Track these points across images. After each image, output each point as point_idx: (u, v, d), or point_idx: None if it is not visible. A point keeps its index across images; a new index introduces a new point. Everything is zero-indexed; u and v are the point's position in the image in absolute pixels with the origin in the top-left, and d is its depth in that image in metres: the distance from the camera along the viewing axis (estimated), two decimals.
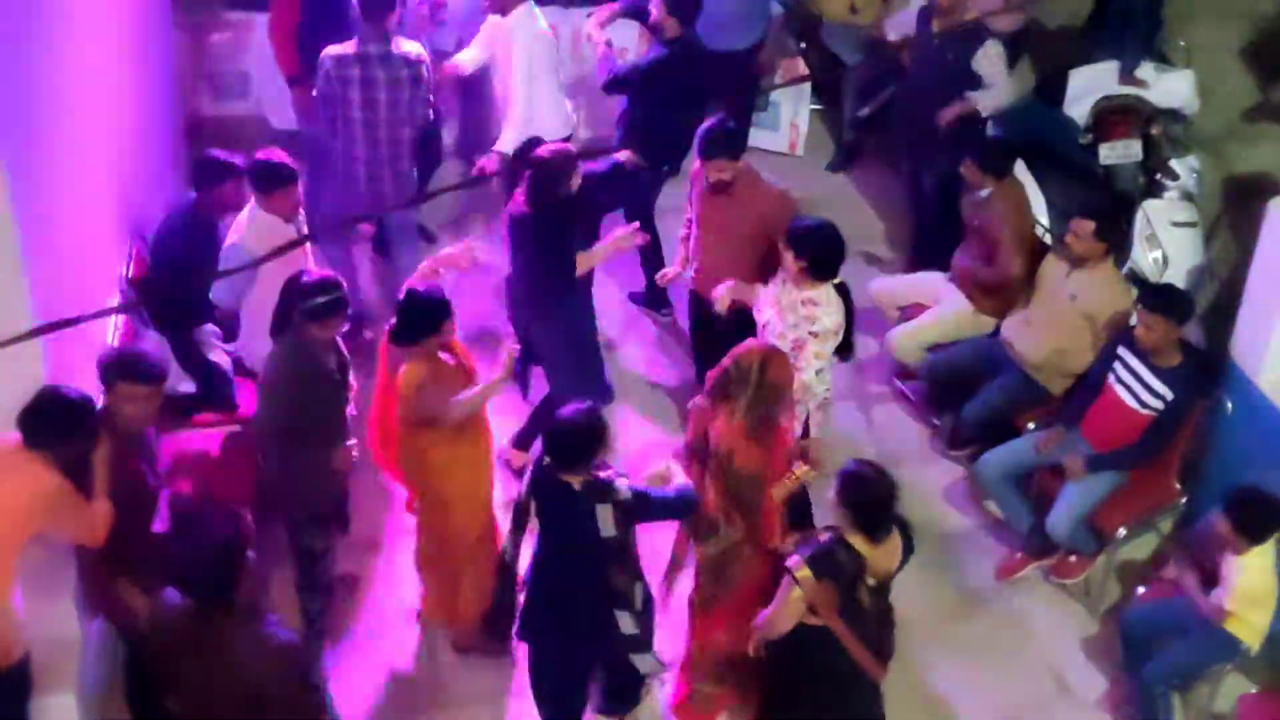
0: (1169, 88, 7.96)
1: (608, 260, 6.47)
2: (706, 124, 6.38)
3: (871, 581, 4.88)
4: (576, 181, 6.22)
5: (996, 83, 7.44)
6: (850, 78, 8.61)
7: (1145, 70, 7.98)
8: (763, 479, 5.27)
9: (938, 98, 7.51)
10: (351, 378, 5.84)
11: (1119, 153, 7.77)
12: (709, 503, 5.34)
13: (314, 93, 6.94)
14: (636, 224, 6.52)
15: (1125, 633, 6.04)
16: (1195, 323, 6.93)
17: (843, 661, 4.90)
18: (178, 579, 4.56)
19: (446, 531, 5.78)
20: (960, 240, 7.15)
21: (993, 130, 7.77)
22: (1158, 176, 7.70)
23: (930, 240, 7.78)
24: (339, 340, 5.70)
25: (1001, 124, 7.84)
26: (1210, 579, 5.67)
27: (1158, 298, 6.27)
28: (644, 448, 6.74)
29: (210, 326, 6.49)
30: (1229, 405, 6.34)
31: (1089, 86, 7.99)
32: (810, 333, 5.89)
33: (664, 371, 7.51)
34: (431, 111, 7.05)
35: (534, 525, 5.31)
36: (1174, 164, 7.71)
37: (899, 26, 8.09)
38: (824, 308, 5.90)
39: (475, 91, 7.83)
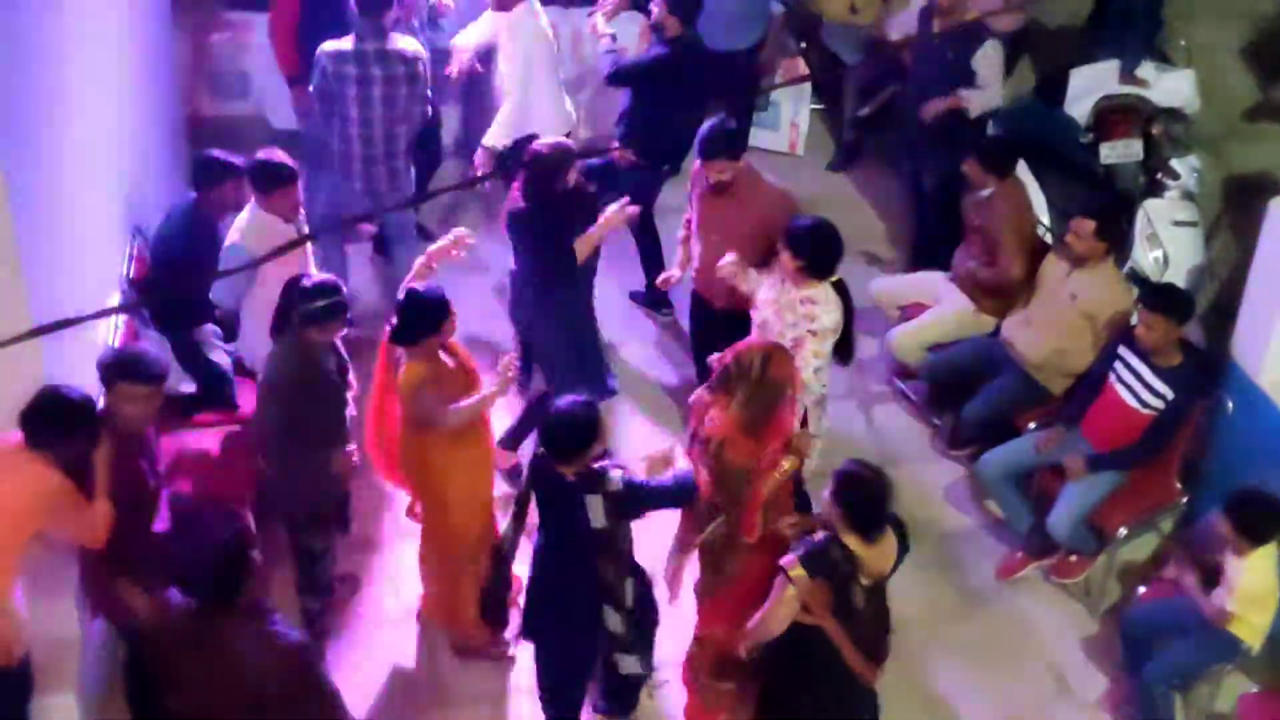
0: (1170, 87, 7.96)
1: (604, 239, 6.39)
2: (707, 124, 6.38)
3: (866, 582, 4.85)
4: (573, 176, 6.22)
5: (990, 84, 7.43)
6: (850, 77, 8.61)
7: (1146, 69, 7.99)
8: (751, 474, 5.26)
9: (938, 97, 7.50)
10: (352, 378, 5.83)
11: (1120, 152, 7.77)
12: (704, 490, 5.33)
13: (309, 89, 6.94)
14: (626, 198, 6.44)
15: (1126, 632, 6.04)
16: (1196, 322, 6.93)
17: (837, 662, 4.88)
18: (182, 580, 4.55)
19: (446, 533, 5.78)
20: (960, 240, 7.15)
21: (993, 129, 7.77)
22: (1158, 176, 7.70)
23: (930, 239, 7.78)
24: (338, 342, 5.69)
25: (1002, 123, 7.84)
26: (1210, 578, 5.67)
27: (1158, 297, 6.27)
28: (644, 447, 6.72)
29: (210, 326, 6.49)
30: (1230, 405, 6.34)
31: (1090, 86, 8.00)
32: (809, 331, 5.89)
33: (664, 371, 7.50)
34: (430, 109, 7.05)
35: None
36: (1175, 163, 7.71)
37: (901, 26, 8.09)
38: (823, 306, 5.91)
39: (475, 90, 7.83)
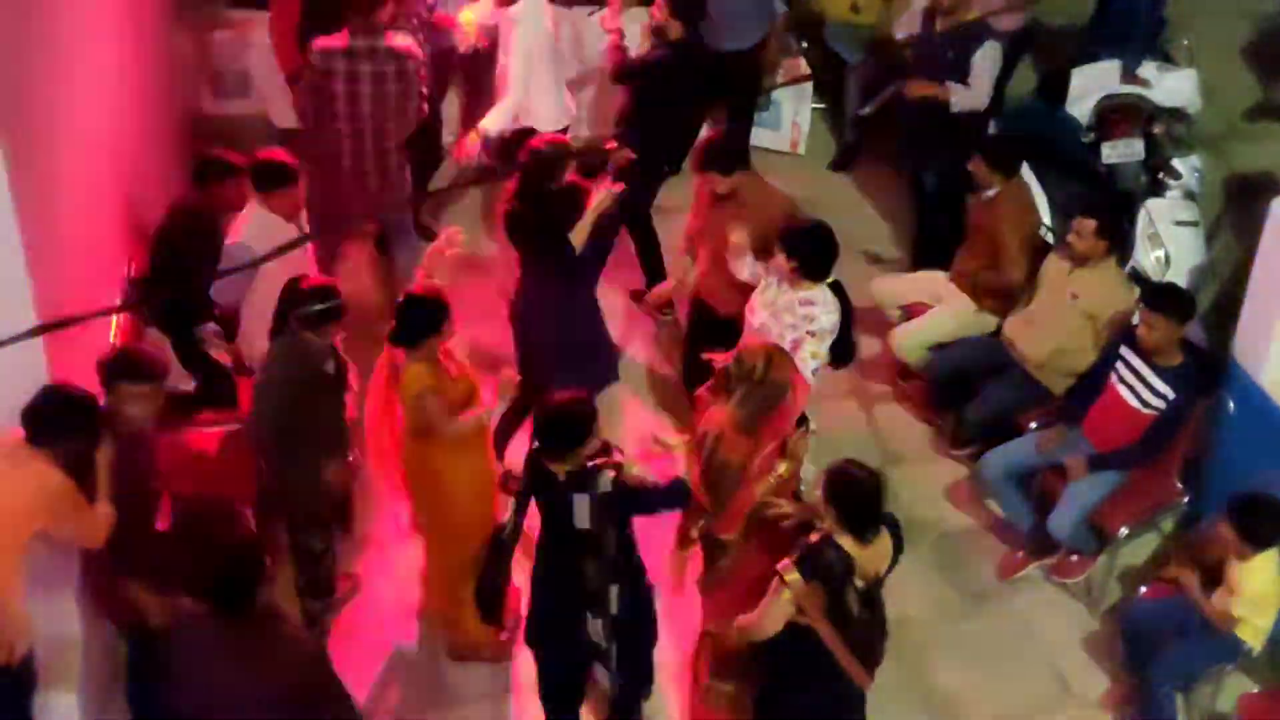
0: (1171, 86, 7.95)
1: (597, 221, 6.38)
2: (707, 133, 6.37)
3: (861, 584, 4.81)
4: (569, 173, 6.22)
5: (979, 84, 7.43)
6: (852, 77, 8.61)
7: (1148, 69, 7.98)
8: (743, 473, 5.24)
9: (949, 106, 7.49)
10: (352, 380, 5.83)
11: (1121, 151, 7.76)
12: (694, 486, 5.31)
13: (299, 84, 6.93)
14: (608, 179, 6.41)
15: (1126, 632, 6.04)
16: (1197, 322, 6.92)
17: (832, 664, 4.84)
18: (196, 583, 4.53)
19: (447, 539, 5.75)
20: (962, 239, 7.15)
21: (995, 129, 7.77)
22: (1160, 175, 7.68)
23: (932, 239, 7.78)
24: (337, 343, 5.69)
25: (1004, 123, 7.83)
26: (1211, 579, 5.66)
27: (1160, 297, 6.27)
28: (644, 447, 6.72)
29: (211, 325, 6.49)
30: (1231, 404, 6.33)
31: (1091, 85, 7.99)
32: (808, 332, 5.90)
33: (664, 371, 7.50)
34: (426, 107, 7.02)
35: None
36: (1176, 163, 7.70)
37: (908, 25, 8.08)
38: (821, 307, 5.91)
39: (476, 90, 7.82)
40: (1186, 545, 6.17)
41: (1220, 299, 7.43)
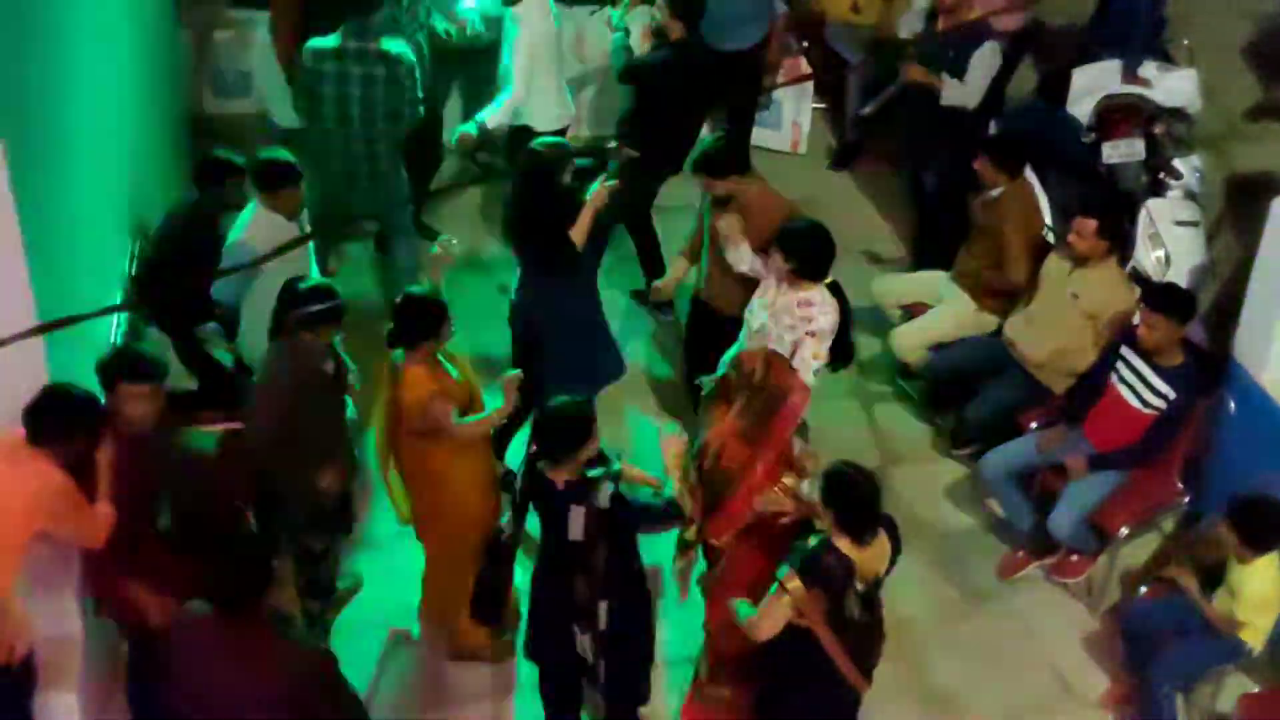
0: (1172, 86, 7.95)
1: (595, 217, 6.33)
2: (706, 135, 6.36)
3: (860, 587, 4.80)
4: (569, 174, 6.22)
5: (973, 83, 7.43)
6: (852, 77, 8.61)
7: (1148, 69, 7.97)
8: (739, 478, 5.23)
9: (939, 96, 7.49)
10: (353, 381, 5.83)
11: (1122, 151, 7.76)
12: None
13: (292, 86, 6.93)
14: (602, 177, 6.40)
15: (1127, 632, 6.04)
16: (1198, 322, 6.92)
17: (831, 666, 4.84)
18: (203, 585, 4.53)
19: (448, 539, 5.75)
20: (963, 239, 7.15)
21: (996, 129, 7.77)
22: (1161, 175, 7.68)
23: (932, 239, 7.78)
24: (337, 344, 5.68)
25: (1005, 123, 7.83)
26: (1211, 579, 5.66)
27: (1160, 297, 6.27)
28: (643, 447, 6.73)
29: (212, 325, 6.49)
30: (1231, 404, 6.34)
31: (1092, 85, 7.98)
32: (808, 333, 5.89)
33: (664, 371, 7.50)
34: (422, 110, 7.01)
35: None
36: (1177, 163, 7.70)
37: (911, 25, 8.08)
38: (820, 307, 5.91)
39: (476, 89, 7.82)
40: (1186, 546, 6.17)
41: (1220, 299, 7.43)
